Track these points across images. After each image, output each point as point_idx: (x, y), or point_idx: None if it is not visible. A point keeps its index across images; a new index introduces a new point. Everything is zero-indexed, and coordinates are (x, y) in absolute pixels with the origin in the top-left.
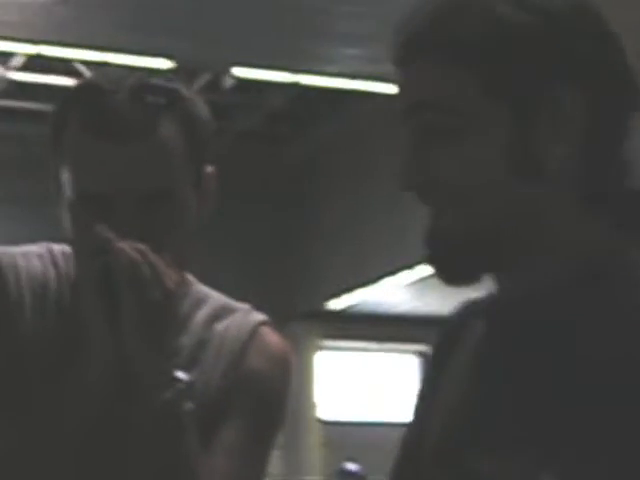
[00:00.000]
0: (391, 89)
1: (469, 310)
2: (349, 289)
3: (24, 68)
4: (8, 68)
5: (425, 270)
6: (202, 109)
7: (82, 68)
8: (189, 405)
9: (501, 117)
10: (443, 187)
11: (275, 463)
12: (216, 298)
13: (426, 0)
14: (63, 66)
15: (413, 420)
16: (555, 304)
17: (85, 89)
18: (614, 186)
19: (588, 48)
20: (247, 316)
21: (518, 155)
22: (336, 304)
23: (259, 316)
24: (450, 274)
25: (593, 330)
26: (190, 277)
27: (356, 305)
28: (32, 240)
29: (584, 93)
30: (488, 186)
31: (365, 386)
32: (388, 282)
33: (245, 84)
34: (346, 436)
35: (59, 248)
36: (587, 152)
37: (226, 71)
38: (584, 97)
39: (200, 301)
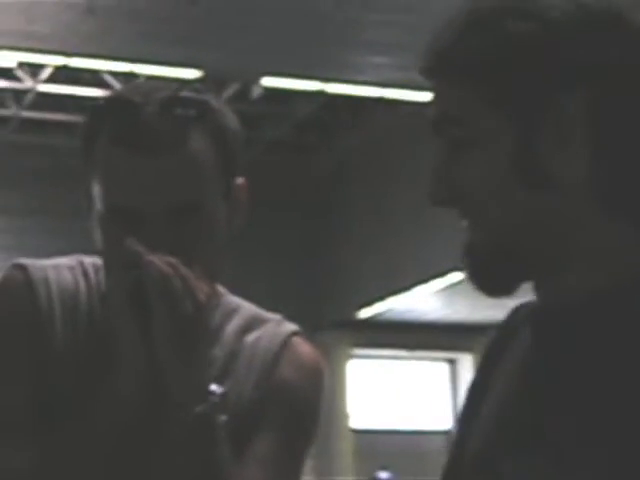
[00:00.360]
0: (419, 97)
1: (519, 315)
2: (379, 298)
3: (52, 80)
4: (37, 81)
5: (455, 277)
6: (232, 120)
7: (110, 79)
8: (222, 417)
9: (506, 126)
10: (466, 200)
11: (307, 472)
12: (247, 309)
13: (451, 15)
14: (91, 77)
15: (459, 427)
16: (596, 311)
17: (115, 102)
18: (630, 188)
19: (589, 52)
20: (279, 326)
21: (525, 163)
22: (366, 313)
23: (291, 326)
24: (487, 286)
25: (635, 337)
26: (221, 288)
27: (386, 313)
28: (64, 252)
29: (589, 97)
30: (499, 196)
31: (396, 394)
32: (419, 290)
33: (272, 94)
34: (377, 444)
35: (90, 260)
36: (598, 156)
37: (255, 81)
38: (589, 101)
39: (231, 312)
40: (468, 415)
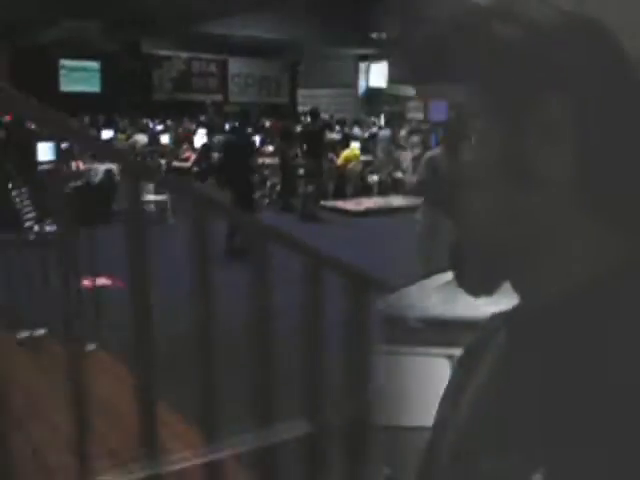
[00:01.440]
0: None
1: (501, 318)
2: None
3: None
4: None
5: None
6: None
7: None
8: None
9: (492, 127)
10: (450, 199)
11: None
12: None
13: (440, 17)
14: None
15: (436, 423)
16: (572, 313)
17: None
18: (616, 189)
19: (573, 56)
20: None
21: (511, 162)
22: None
23: None
24: (468, 284)
25: (614, 338)
26: None
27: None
28: None
29: (575, 98)
30: (482, 195)
31: (395, 389)
32: (419, 286)
33: None
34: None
35: None
36: (582, 156)
37: None
38: (575, 102)
39: None
40: (445, 412)
